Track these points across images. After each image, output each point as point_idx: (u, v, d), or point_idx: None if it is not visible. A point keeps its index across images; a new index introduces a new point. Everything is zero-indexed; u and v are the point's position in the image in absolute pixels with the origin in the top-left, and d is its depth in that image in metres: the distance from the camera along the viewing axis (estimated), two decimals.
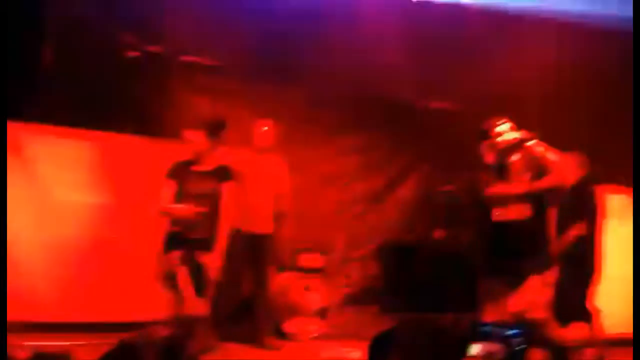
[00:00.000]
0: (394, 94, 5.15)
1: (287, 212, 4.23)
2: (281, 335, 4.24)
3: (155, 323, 2.84)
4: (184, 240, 3.40)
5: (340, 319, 4.52)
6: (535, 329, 2.99)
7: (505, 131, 3.35)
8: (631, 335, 4.86)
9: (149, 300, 3.66)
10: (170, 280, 3.32)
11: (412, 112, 5.21)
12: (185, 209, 3.43)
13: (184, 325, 3.02)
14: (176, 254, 3.35)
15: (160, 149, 4.19)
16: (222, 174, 3.64)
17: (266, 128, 4.11)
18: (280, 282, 4.52)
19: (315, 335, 4.40)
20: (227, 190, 3.61)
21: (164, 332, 2.47)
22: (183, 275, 3.30)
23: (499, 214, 3.40)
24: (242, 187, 3.99)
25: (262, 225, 4.07)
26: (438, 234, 5.07)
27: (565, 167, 3.41)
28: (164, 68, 4.47)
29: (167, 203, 3.48)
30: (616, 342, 4.77)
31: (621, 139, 4.68)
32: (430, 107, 5.26)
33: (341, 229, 4.86)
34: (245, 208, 3.98)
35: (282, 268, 4.66)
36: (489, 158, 3.51)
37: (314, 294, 4.52)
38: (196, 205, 3.43)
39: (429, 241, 5.08)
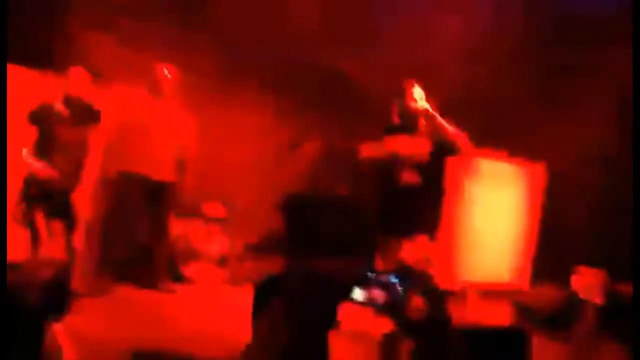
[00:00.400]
0: (303, 53, 5.16)
1: (190, 161, 4.20)
2: (179, 279, 4.28)
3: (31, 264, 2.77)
4: (46, 184, 3.30)
5: (240, 267, 4.61)
6: (416, 277, 3.16)
7: (419, 97, 3.36)
8: (496, 287, 5.42)
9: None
10: (29, 222, 3.23)
11: (319, 71, 5.26)
12: (43, 170, 3.31)
13: (65, 267, 2.97)
14: (36, 197, 3.24)
15: (44, 82, 3.84)
16: (91, 117, 3.48)
17: (167, 74, 4.01)
18: (181, 228, 4.53)
19: (214, 281, 4.47)
20: (94, 134, 3.50)
21: (45, 273, 2.44)
22: (40, 219, 3.22)
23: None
24: (143, 133, 3.92)
25: (163, 172, 4.03)
26: (341, 189, 5.25)
27: (463, 142, 3.48)
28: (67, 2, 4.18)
29: (27, 153, 3.33)
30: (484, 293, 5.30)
31: (507, 106, 5.06)
32: (338, 68, 5.33)
33: (247, 181, 4.90)
34: (145, 153, 3.92)
35: (184, 214, 4.67)
36: (396, 119, 3.54)
37: (215, 242, 4.57)
38: (65, 151, 3.31)
39: (332, 196, 5.25)
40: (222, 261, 4.57)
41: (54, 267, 2.68)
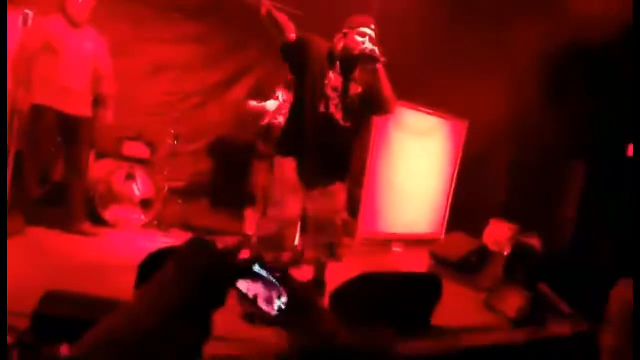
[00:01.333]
0: None
1: (108, 95, 3.95)
2: (100, 222, 4.10)
3: None
4: None
5: (165, 211, 4.49)
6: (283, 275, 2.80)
7: (369, 37, 2.90)
8: (415, 236, 5.69)
9: None
10: None
11: (254, 10, 5.02)
12: None
13: None
14: None
15: None
16: None
17: None
18: (101, 168, 4.31)
19: (137, 224, 4.33)
20: None
21: None
22: None
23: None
24: (53, 61, 3.60)
25: (77, 106, 3.76)
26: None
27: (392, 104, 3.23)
28: None
29: None
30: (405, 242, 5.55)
31: (432, 62, 5.13)
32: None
33: (172, 120, 4.69)
34: (56, 84, 3.62)
35: (103, 154, 4.44)
36: (338, 51, 2.99)
37: (138, 184, 4.39)
38: None
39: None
40: (145, 204, 4.41)
41: None
